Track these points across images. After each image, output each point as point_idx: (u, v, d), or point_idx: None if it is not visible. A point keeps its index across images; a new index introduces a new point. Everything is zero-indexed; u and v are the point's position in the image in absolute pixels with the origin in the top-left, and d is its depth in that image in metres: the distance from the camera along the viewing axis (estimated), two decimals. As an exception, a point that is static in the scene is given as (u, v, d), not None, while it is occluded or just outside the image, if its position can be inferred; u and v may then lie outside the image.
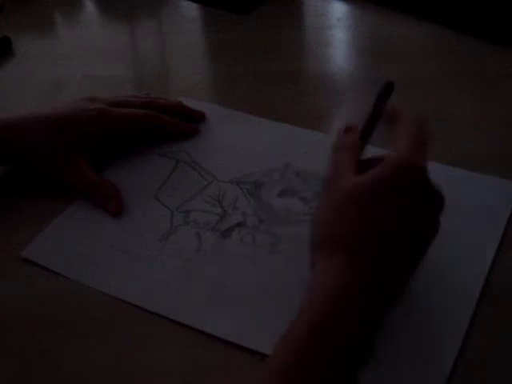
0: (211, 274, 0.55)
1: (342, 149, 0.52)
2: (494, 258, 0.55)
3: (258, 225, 0.59)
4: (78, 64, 0.83)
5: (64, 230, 0.60)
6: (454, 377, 0.47)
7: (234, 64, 0.82)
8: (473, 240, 0.57)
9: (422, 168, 0.48)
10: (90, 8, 0.98)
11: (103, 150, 0.67)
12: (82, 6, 0.98)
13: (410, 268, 0.47)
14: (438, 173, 0.62)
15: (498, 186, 0.61)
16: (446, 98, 0.74)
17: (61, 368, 0.50)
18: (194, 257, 0.57)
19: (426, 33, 0.85)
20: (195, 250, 0.57)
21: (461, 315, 0.51)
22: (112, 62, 0.83)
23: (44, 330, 0.52)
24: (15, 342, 0.52)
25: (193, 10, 0.95)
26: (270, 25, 0.88)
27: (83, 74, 0.81)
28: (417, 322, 0.51)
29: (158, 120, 0.68)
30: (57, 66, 0.83)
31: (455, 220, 0.58)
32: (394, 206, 0.46)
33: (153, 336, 0.52)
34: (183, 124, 0.70)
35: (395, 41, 0.84)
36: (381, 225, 0.45)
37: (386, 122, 0.52)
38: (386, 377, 0.47)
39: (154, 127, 0.68)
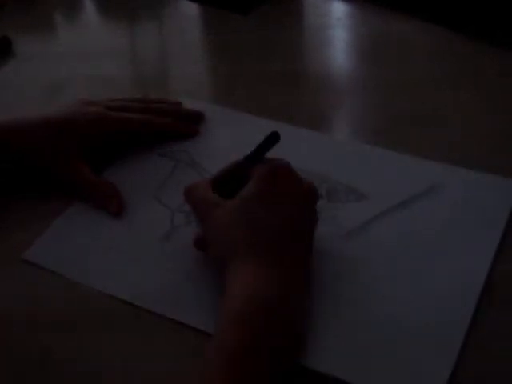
0: (211, 274, 0.55)
1: (196, 189, 0.56)
2: (494, 258, 0.55)
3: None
4: (78, 64, 0.83)
5: (64, 230, 0.60)
6: (454, 377, 0.47)
7: (234, 64, 0.82)
8: (473, 239, 0.57)
9: (285, 165, 0.54)
10: (90, 8, 0.98)
11: (103, 150, 0.67)
12: (82, 7, 0.98)
13: (304, 256, 0.53)
14: (439, 172, 0.63)
15: (497, 185, 0.61)
16: (445, 97, 0.74)
17: (61, 368, 0.50)
18: (195, 257, 0.57)
19: (425, 33, 0.85)
20: (195, 249, 0.57)
21: (461, 315, 0.51)
22: (112, 62, 0.83)
23: (44, 330, 0.53)
24: (16, 341, 0.52)
25: (193, 10, 0.95)
26: (270, 25, 0.88)
27: (83, 74, 0.81)
28: (416, 322, 0.51)
29: (157, 126, 0.68)
30: (57, 66, 0.83)
31: (455, 219, 0.58)
32: (274, 205, 0.51)
33: (153, 336, 0.52)
34: (183, 124, 0.70)
35: (395, 41, 0.84)
36: (268, 229, 0.51)
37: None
38: (386, 377, 0.47)
39: (151, 133, 0.69)
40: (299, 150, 0.67)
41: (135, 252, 0.58)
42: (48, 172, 0.64)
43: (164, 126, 0.69)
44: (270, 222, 0.51)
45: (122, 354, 0.51)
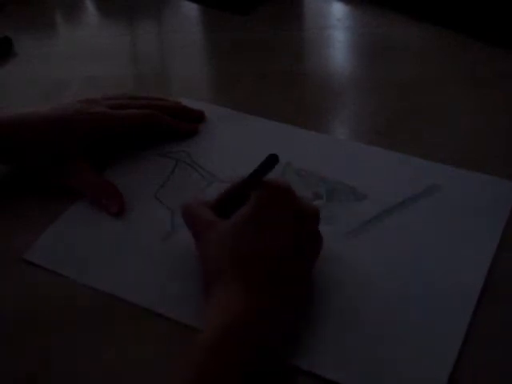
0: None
1: (193, 206, 0.55)
2: (494, 258, 0.55)
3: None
4: (78, 64, 0.83)
5: (64, 230, 0.60)
6: (454, 377, 0.47)
7: (233, 64, 0.82)
8: (473, 240, 0.57)
9: (285, 187, 0.52)
10: (90, 8, 0.98)
11: (103, 150, 0.67)
12: (82, 6, 0.98)
13: (301, 280, 0.51)
14: (439, 173, 0.63)
15: (497, 186, 0.61)
16: (445, 98, 0.74)
17: (61, 367, 0.50)
18: (195, 257, 0.57)
19: (425, 33, 0.85)
20: (196, 249, 0.57)
21: (461, 315, 0.51)
22: (112, 62, 0.83)
23: (45, 329, 0.53)
24: (16, 341, 0.52)
25: (193, 10, 0.95)
26: (269, 25, 0.88)
27: (83, 74, 0.81)
28: (417, 322, 0.51)
29: (158, 118, 0.68)
30: (57, 66, 0.83)
31: (455, 220, 0.59)
32: (270, 230, 0.50)
33: (153, 335, 0.52)
34: (183, 123, 0.70)
35: (395, 41, 0.85)
36: (256, 253, 0.49)
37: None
38: (386, 377, 0.47)
39: (155, 126, 0.68)
40: (299, 149, 0.67)
41: (135, 252, 0.58)
42: (48, 172, 0.64)
43: (165, 120, 0.68)
44: (259, 245, 0.49)
45: (122, 354, 0.51)
